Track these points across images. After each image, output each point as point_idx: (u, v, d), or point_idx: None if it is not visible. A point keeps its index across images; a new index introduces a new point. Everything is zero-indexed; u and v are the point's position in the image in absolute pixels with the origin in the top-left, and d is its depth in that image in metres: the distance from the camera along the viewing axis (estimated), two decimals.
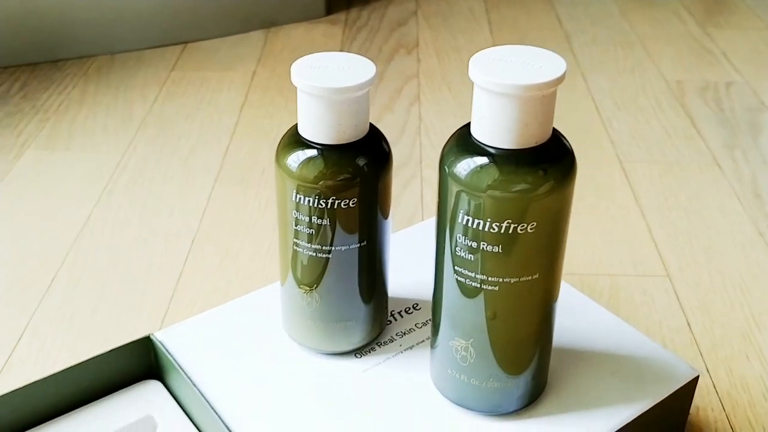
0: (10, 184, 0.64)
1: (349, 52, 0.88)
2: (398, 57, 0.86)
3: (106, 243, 0.57)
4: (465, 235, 0.33)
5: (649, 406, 0.39)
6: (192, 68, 0.83)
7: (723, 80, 0.83)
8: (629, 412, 0.38)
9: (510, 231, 0.32)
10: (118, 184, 0.64)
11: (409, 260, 0.47)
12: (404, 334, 0.42)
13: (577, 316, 0.44)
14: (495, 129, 0.31)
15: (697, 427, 0.44)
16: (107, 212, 0.60)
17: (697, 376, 0.41)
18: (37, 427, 0.38)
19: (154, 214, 0.60)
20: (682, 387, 0.40)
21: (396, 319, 0.43)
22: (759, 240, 0.59)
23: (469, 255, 0.33)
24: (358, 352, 0.41)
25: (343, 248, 0.37)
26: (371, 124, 0.38)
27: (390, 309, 0.44)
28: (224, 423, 0.37)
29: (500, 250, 0.33)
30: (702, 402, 0.46)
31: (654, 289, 0.54)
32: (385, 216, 0.39)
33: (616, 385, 0.40)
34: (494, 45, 0.91)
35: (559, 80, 0.30)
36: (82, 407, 0.39)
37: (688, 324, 0.51)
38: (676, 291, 0.54)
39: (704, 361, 0.48)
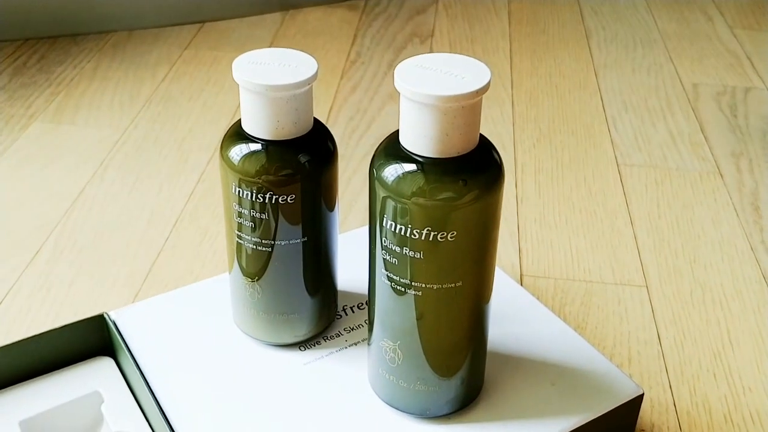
0: (13, 155, 0.66)
1: (362, 40, 0.88)
2: (411, 46, 0.85)
3: (94, 218, 0.59)
4: (390, 239, 0.33)
5: (585, 421, 0.38)
6: (205, 48, 0.84)
7: (742, 85, 0.80)
8: (562, 426, 0.38)
9: (430, 238, 0.32)
10: (114, 160, 0.65)
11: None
12: (352, 329, 0.43)
13: (528, 324, 0.43)
14: (417, 137, 0.31)
15: None
16: (99, 187, 0.62)
17: (641, 395, 0.40)
18: None
19: (143, 192, 0.62)
20: (623, 404, 0.40)
21: (347, 314, 0.44)
22: (749, 254, 0.57)
23: (394, 259, 0.33)
24: (303, 344, 0.42)
25: (284, 243, 0.38)
26: (318, 121, 0.38)
27: (343, 303, 0.44)
28: (159, 404, 0.38)
29: (422, 257, 0.33)
30: (659, 420, 0.45)
31: (629, 298, 0.53)
32: (329, 214, 0.39)
33: (554, 397, 0.39)
34: (510, 36, 0.90)
35: (480, 92, 0.30)
36: (33, 379, 0.41)
37: (659, 337, 0.50)
38: (652, 302, 0.53)
39: (668, 377, 0.47)
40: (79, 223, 0.58)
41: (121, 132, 0.69)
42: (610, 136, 0.71)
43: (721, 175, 0.66)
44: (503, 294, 0.45)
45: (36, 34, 0.84)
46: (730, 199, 0.63)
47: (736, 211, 0.62)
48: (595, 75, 0.82)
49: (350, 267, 0.45)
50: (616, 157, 0.68)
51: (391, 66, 0.81)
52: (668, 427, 0.44)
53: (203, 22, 0.89)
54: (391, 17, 0.93)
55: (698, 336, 0.50)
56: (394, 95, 0.76)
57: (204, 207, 0.60)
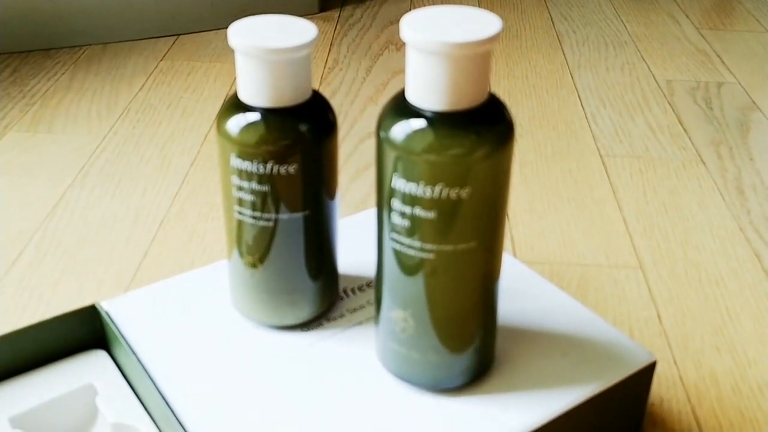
0: None
1: (338, 48, 0.88)
2: (387, 53, 0.86)
3: (76, 222, 0.57)
4: (401, 200, 0.32)
5: (599, 390, 0.37)
6: (181, 58, 0.83)
7: (715, 80, 0.82)
8: (576, 395, 0.37)
9: (443, 195, 0.31)
10: (94, 166, 0.64)
11: (369, 239, 0.46)
12: (355, 310, 0.42)
13: (533, 299, 0.43)
14: (427, 90, 0.31)
15: (660, 418, 0.43)
16: (80, 192, 0.60)
17: (654, 362, 0.40)
18: None
19: (126, 195, 0.60)
20: (636, 372, 0.39)
21: (348, 296, 0.43)
22: (739, 235, 0.58)
23: (405, 221, 0.33)
24: (306, 326, 0.40)
25: (286, 216, 0.37)
26: (318, 93, 0.37)
27: (343, 286, 0.43)
28: (161, 393, 0.36)
29: (435, 216, 0.32)
30: (667, 394, 0.44)
31: (625, 280, 0.53)
32: (330, 187, 0.38)
33: (567, 367, 0.38)
34: None
35: (492, 39, 0.30)
36: (23, 374, 0.39)
37: (659, 316, 0.50)
38: (648, 283, 0.53)
39: (672, 353, 0.47)
40: (61, 228, 0.56)
41: (100, 139, 0.67)
42: (591, 130, 0.72)
43: (703, 162, 0.67)
44: (506, 270, 0.44)
45: (7, 49, 0.82)
46: (715, 184, 0.64)
47: (721, 195, 0.62)
48: (571, 75, 0.83)
49: (348, 251, 0.44)
50: (598, 149, 0.69)
51: (369, 71, 0.81)
52: (677, 400, 0.44)
53: (177, 35, 0.88)
54: (366, 27, 0.93)
55: (698, 313, 0.50)
56: (375, 98, 0.76)
57: (190, 207, 0.59)
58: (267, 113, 0.35)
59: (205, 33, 0.89)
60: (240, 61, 0.35)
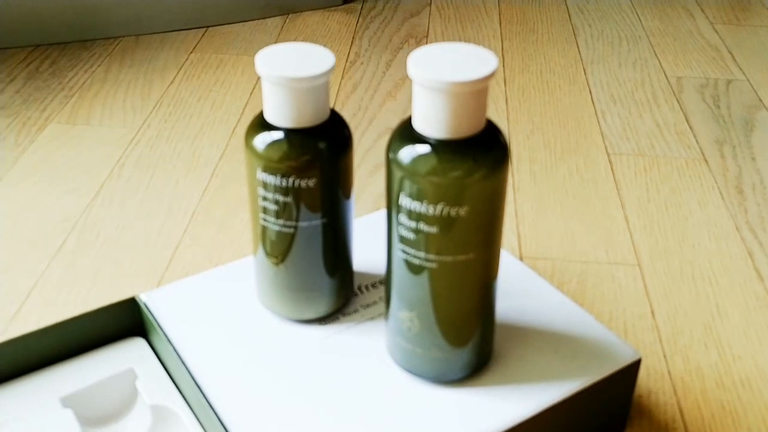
0: (33, 154, 0.69)
1: (360, 41, 0.91)
2: (407, 46, 0.89)
3: (114, 212, 0.62)
4: (407, 216, 0.36)
5: (587, 384, 0.41)
6: (210, 51, 0.87)
7: (724, 77, 0.84)
8: (566, 389, 0.41)
9: (445, 213, 0.35)
10: (130, 158, 0.68)
11: (382, 238, 0.50)
12: (368, 306, 0.46)
13: (531, 298, 0.47)
14: (430, 120, 0.34)
15: (647, 408, 0.47)
16: (118, 183, 0.65)
17: (639, 359, 0.43)
18: (27, 375, 0.43)
19: (160, 187, 0.65)
20: (622, 368, 0.43)
21: (363, 292, 0.47)
22: (734, 234, 0.61)
23: (411, 234, 0.37)
24: (324, 320, 0.45)
25: (306, 224, 0.41)
26: (335, 111, 0.41)
27: (358, 283, 0.47)
28: (193, 378, 0.41)
29: (437, 231, 0.36)
30: (655, 386, 0.48)
31: (623, 276, 0.56)
32: (346, 195, 0.42)
33: (558, 362, 0.42)
34: (501, 36, 0.93)
35: (488, 78, 0.33)
36: (71, 358, 0.44)
37: (652, 311, 0.53)
38: (645, 279, 0.56)
39: (662, 348, 0.51)
40: (101, 217, 0.61)
41: (135, 131, 0.72)
42: (600, 127, 0.75)
43: (706, 161, 0.70)
44: (507, 270, 0.48)
45: (46, 41, 0.87)
46: (716, 183, 0.67)
47: (721, 194, 0.65)
48: (584, 70, 0.85)
49: (363, 250, 0.48)
50: (606, 147, 0.72)
51: (389, 65, 0.84)
52: (664, 392, 0.48)
53: (207, 27, 0.92)
54: (387, 20, 0.96)
55: (689, 309, 0.54)
56: (393, 92, 0.79)
57: (219, 200, 0.63)
58: (290, 132, 0.39)
59: (232, 25, 0.93)
60: (266, 86, 0.39)
